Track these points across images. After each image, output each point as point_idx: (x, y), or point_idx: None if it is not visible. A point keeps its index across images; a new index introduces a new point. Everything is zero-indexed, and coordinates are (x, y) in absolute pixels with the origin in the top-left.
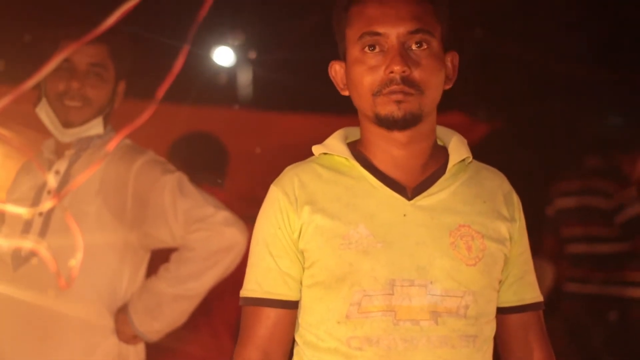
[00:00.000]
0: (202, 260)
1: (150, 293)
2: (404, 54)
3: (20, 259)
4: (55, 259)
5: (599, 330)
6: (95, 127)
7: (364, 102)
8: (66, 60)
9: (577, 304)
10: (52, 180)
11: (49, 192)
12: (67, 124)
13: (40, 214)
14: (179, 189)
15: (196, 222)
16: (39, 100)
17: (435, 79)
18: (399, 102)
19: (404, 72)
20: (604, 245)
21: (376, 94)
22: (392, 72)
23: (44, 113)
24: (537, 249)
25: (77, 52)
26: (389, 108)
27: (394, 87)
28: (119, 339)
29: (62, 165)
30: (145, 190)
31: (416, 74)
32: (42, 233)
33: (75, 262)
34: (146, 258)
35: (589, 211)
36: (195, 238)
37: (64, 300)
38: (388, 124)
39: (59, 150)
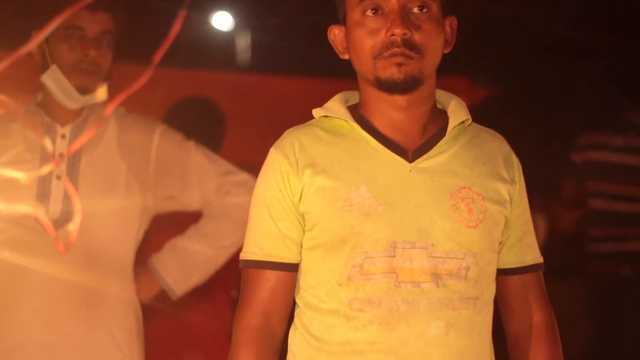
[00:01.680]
0: (241, 222)
1: (185, 253)
2: (404, 17)
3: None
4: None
5: (625, 290)
6: (101, 94)
7: (364, 66)
8: (79, 28)
9: (609, 263)
10: (61, 144)
11: (60, 155)
12: (83, 90)
13: (59, 177)
14: (204, 155)
15: (236, 186)
16: (44, 67)
17: (435, 42)
18: (399, 64)
19: (404, 34)
20: None
21: (377, 57)
22: (392, 34)
23: (53, 80)
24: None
25: (89, 20)
26: (389, 71)
27: (394, 50)
28: (139, 298)
29: (67, 130)
30: (170, 157)
31: (417, 37)
32: (68, 196)
33: (73, 226)
34: (149, 223)
35: (633, 170)
36: (236, 202)
37: (102, 264)
38: (389, 87)
39: (61, 115)
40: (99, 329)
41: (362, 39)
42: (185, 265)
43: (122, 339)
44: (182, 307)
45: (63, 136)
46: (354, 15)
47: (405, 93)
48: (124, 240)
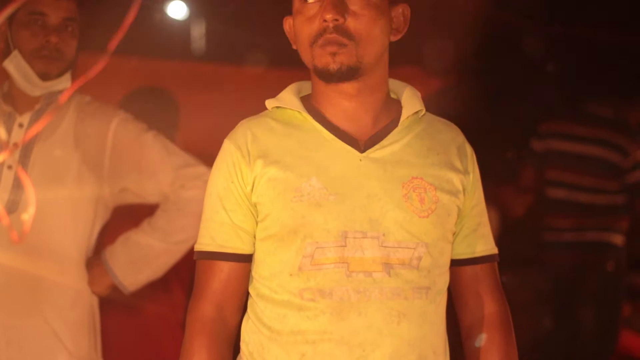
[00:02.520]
0: (193, 216)
1: (136, 246)
2: (337, 3)
3: None
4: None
5: (581, 280)
6: (65, 81)
7: (305, 55)
8: (41, 14)
9: (566, 253)
10: (17, 133)
11: (15, 144)
12: (44, 76)
13: (10, 167)
14: (163, 146)
15: (191, 180)
16: (7, 53)
17: (373, 29)
18: (333, 54)
19: (336, 20)
20: (603, 196)
21: (313, 44)
22: (325, 20)
23: (15, 66)
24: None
25: (52, 6)
26: (324, 60)
27: (327, 36)
28: (91, 291)
29: (25, 119)
30: (126, 147)
31: (350, 23)
32: (16, 186)
33: (27, 216)
34: (109, 214)
35: (596, 161)
36: (190, 195)
37: (47, 255)
38: (325, 76)
39: (22, 104)
40: (38, 321)
41: (301, 26)
42: (136, 259)
43: (65, 332)
44: (137, 298)
45: (20, 125)
46: (295, 3)
47: (342, 82)
48: (74, 231)
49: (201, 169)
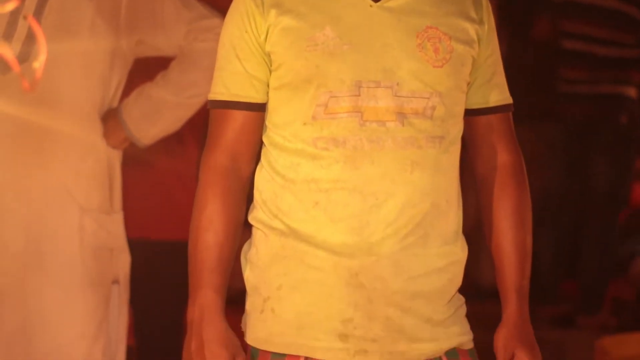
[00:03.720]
0: (206, 70)
1: (148, 99)
2: None
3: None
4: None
5: (595, 132)
6: None
7: None
8: None
9: (580, 105)
10: None
11: None
12: None
13: (25, 17)
14: None
15: (204, 32)
16: None
17: None
18: None
19: None
20: (619, 49)
21: None
22: None
23: None
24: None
25: None
26: None
27: None
28: (107, 144)
29: None
30: None
31: None
32: (30, 36)
33: (38, 64)
34: (130, 66)
35: (613, 14)
36: (203, 48)
37: (57, 107)
38: None
39: None
40: (45, 173)
41: None
42: (149, 113)
43: (74, 184)
44: (151, 150)
45: None
46: None
47: None
48: (86, 83)
49: (215, 21)
